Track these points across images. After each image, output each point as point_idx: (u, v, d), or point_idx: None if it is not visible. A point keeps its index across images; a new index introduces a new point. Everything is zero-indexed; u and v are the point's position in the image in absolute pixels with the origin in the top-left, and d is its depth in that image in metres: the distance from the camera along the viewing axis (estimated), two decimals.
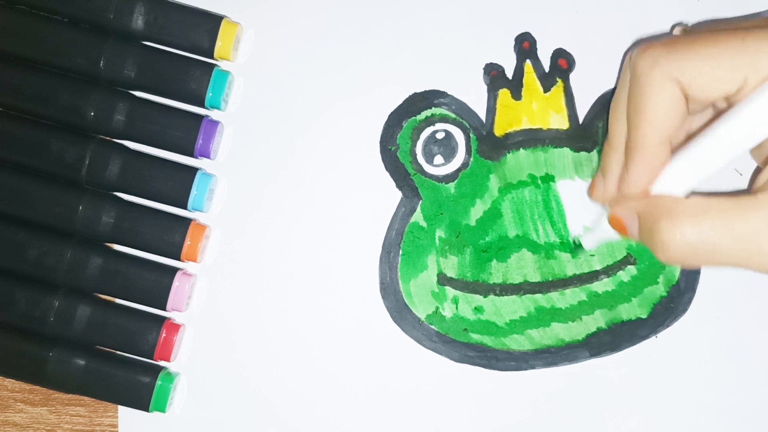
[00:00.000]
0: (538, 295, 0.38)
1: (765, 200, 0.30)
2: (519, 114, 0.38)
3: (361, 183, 0.39)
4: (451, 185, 0.38)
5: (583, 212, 0.38)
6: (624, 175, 0.33)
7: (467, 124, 0.39)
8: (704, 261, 0.30)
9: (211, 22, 0.37)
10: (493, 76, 0.39)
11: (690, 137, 0.33)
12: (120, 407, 0.38)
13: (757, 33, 0.30)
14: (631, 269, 0.38)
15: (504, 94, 0.39)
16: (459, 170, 0.38)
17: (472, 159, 0.38)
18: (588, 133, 0.38)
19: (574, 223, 0.38)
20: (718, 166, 0.31)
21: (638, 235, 0.32)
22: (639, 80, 0.31)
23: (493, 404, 0.38)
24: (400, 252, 0.38)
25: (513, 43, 0.39)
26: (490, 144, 0.38)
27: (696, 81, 0.30)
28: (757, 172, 0.35)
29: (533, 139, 0.38)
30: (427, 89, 0.39)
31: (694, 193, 0.32)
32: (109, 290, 0.37)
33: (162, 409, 0.37)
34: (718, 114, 0.32)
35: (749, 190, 0.32)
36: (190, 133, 0.37)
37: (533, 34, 0.39)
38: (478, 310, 0.38)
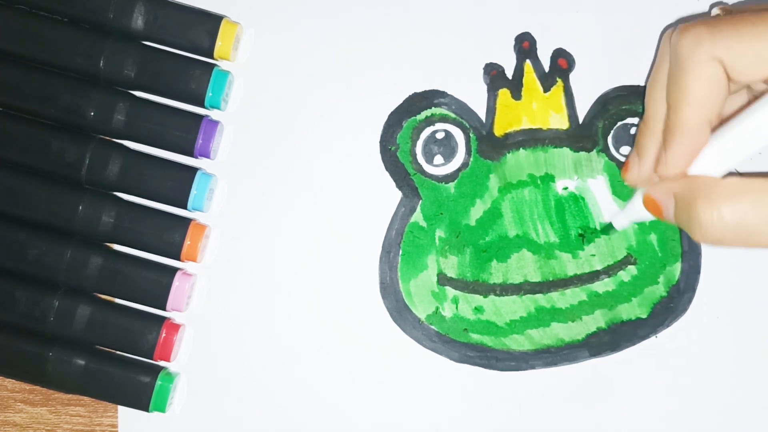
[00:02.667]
0: (539, 295, 0.38)
1: None
2: (519, 114, 0.38)
3: (361, 183, 0.39)
4: (451, 185, 0.38)
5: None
6: (662, 156, 0.32)
7: (467, 124, 0.39)
8: (742, 242, 0.30)
9: (211, 22, 0.37)
10: (493, 76, 0.39)
11: (724, 120, 0.32)
12: (120, 407, 0.38)
13: None
14: (632, 269, 0.38)
15: (504, 94, 0.39)
16: (459, 170, 0.38)
17: (472, 159, 0.38)
18: (588, 133, 0.38)
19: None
20: (758, 147, 0.31)
21: (674, 217, 0.32)
22: (681, 60, 0.31)
23: (493, 404, 0.38)
24: (400, 252, 0.38)
25: (513, 43, 0.39)
26: (490, 144, 0.38)
27: (739, 61, 0.30)
28: None
29: (533, 139, 0.38)
30: (427, 89, 0.39)
31: (731, 174, 0.31)
32: (109, 290, 0.37)
33: (162, 409, 0.37)
34: (755, 96, 0.32)
35: None
36: (189, 133, 0.37)
37: (533, 34, 0.39)
38: (478, 310, 0.38)
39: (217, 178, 0.38)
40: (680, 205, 0.31)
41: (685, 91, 0.31)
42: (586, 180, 0.38)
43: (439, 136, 0.39)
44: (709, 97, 0.31)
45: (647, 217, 0.34)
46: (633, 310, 0.38)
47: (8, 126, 0.37)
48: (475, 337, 0.38)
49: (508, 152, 0.38)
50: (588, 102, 0.39)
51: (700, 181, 0.31)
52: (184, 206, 0.37)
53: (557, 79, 0.39)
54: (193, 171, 0.37)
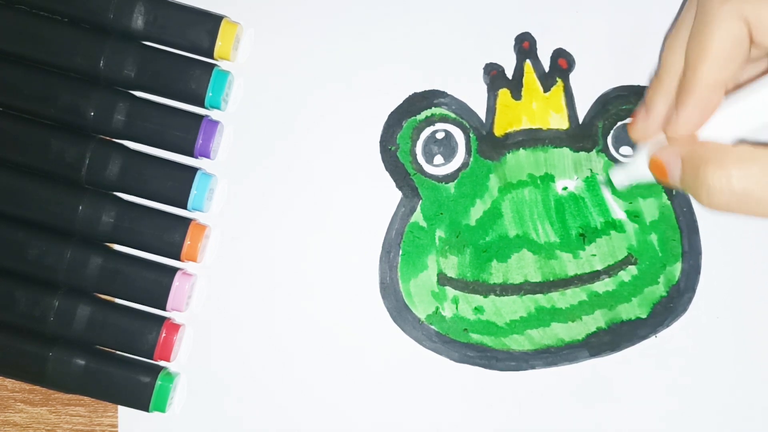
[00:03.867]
0: (539, 295, 0.38)
1: None
2: (519, 114, 0.38)
3: (361, 183, 0.39)
4: (451, 185, 0.38)
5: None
6: (673, 115, 0.32)
7: (467, 124, 0.39)
8: (749, 209, 0.29)
9: (211, 22, 0.37)
10: (493, 76, 0.39)
11: (738, 87, 0.32)
12: (120, 407, 0.38)
13: None
14: (632, 269, 0.38)
15: (504, 93, 0.39)
16: (459, 170, 0.38)
17: (472, 159, 0.38)
18: (588, 133, 0.38)
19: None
20: None
21: (679, 180, 0.31)
22: (707, 15, 0.30)
23: (493, 404, 0.38)
24: (400, 252, 0.38)
25: (513, 43, 0.39)
26: (490, 144, 0.38)
27: (765, 23, 0.29)
28: None
29: (533, 138, 0.38)
30: (427, 89, 0.39)
31: (742, 142, 0.31)
32: (109, 290, 0.37)
33: (162, 409, 0.37)
34: None
35: None
36: (189, 133, 0.37)
37: (533, 34, 0.39)
38: (478, 310, 0.38)
39: (217, 178, 0.38)
40: (688, 167, 0.31)
41: (706, 48, 0.30)
42: (585, 180, 0.38)
43: (439, 136, 0.39)
44: (730, 56, 0.30)
45: (648, 177, 0.34)
46: (633, 310, 0.38)
47: (8, 126, 0.37)
48: (475, 337, 0.38)
49: (508, 152, 0.38)
50: (588, 102, 0.38)
51: (710, 145, 0.31)
52: (184, 206, 0.37)
53: (557, 79, 0.39)
54: (193, 171, 0.37)
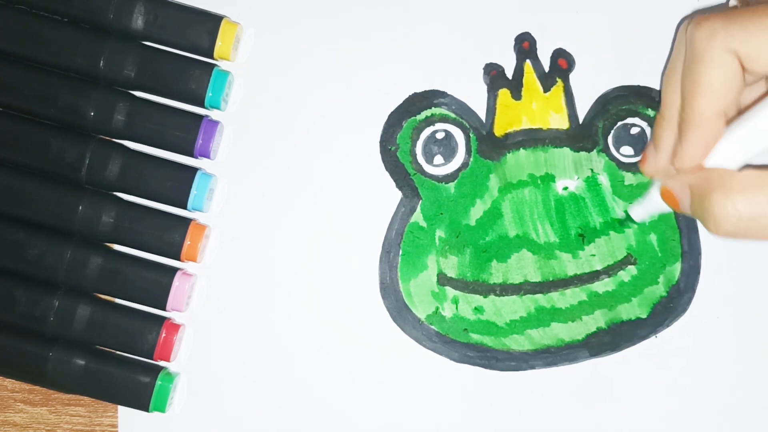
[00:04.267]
0: (539, 295, 0.38)
1: None
2: (519, 114, 0.38)
3: (361, 183, 0.39)
4: (451, 185, 0.38)
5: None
6: (678, 148, 0.32)
7: (467, 124, 0.39)
8: (755, 234, 0.30)
9: (211, 22, 0.37)
10: (493, 76, 0.39)
11: (741, 111, 0.32)
12: (120, 407, 0.38)
13: None
14: (632, 269, 0.38)
15: (504, 94, 0.39)
16: (459, 170, 0.38)
17: (472, 159, 0.38)
18: (588, 133, 0.38)
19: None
20: None
21: (689, 209, 0.32)
22: (696, 52, 0.30)
23: (493, 404, 0.38)
24: (400, 252, 0.38)
25: (513, 43, 0.39)
26: (490, 144, 0.38)
27: (755, 53, 0.29)
28: None
29: (533, 139, 0.38)
30: (427, 89, 0.39)
31: (747, 167, 0.31)
32: (109, 290, 0.37)
33: (162, 409, 0.37)
34: None
35: None
36: (189, 133, 0.37)
37: (533, 34, 0.39)
38: (478, 310, 0.38)
39: (217, 178, 0.38)
40: (695, 196, 0.31)
41: (699, 83, 0.31)
42: (585, 180, 0.38)
43: (439, 136, 0.39)
44: (724, 88, 0.30)
45: (664, 209, 0.34)
46: (633, 310, 0.38)
47: (8, 126, 0.37)
48: (475, 337, 0.38)
49: (508, 152, 0.38)
50: (588, 102, 0.38)
51: (715, 173, 0.31)
52: (184, 206, 0.37)
53: (557, 79, 0.39)
54: (193, 171, 0.37)
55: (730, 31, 0.30)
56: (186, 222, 0.37)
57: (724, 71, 0.30)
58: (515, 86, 0.39)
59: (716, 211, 0.30)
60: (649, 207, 0.36)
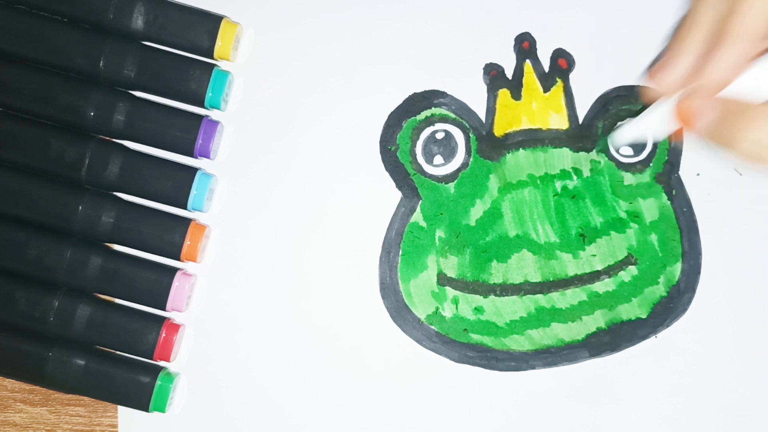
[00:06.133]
0: (539, 296, 0.38)
1: None
2: (519, 114, 0.38)
3: (361, 183, 0.39)
4: (451, 185, 0.38)
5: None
6: (709, 60, 0.31)
7: (467, 124, 0.39)
8: None
9: (211, 22, 0.37)
10: (493, 76, 0.39)
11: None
12: (120, 407, 0.38)
13: None
14: (632, 269, 0.38)
15: (504, 94, 0.39)
16: (459, 170, 0.38)
17: (471, 159, 0.38)
18: (588, 133, 0.38)
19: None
20: None
21: (708, 130, 0.31)
22: None
23: (493, 404, 0.38)
24: (400, 252, 0.38)
25: (513, 43, 0.39)
26: (489, 144, 0.38)
27: None
28: None
29: (533, 139, 0.38)
30: (427, 89, 0.39)
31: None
32: (109, 290, 0.37)
33: (162, 409, 0.37)
34: None
35: None
36: (189, 133, 0.37)
37: (533, 34, 0.39)
38: (478, 310, 0.38)
39: (217, 178, 0.38)
40: (726, 116, 0.30)
41: None
42: (585, 180, 0.38)
43: (439, 136, 0.39)
44: None
45: (659, 130, 0.33)
46: (633, 310, 0.38)
47: (8, 126, 0.37)
48: (475, 338, 0.38)
49: (508, 152, 0.38)
50: (588, 102, 0.38)
51: (740, 101, 0.30)
52: (184, 206, 0.37)
53: (557, 79, 0.38)
54: (193, 171, 0.37)
55: None
56: (186, 222, 0.37)
57: None
58: (515, 86, 0.39)
59: (748, 131, 0.29)
60: (640, 128, 0.34)
